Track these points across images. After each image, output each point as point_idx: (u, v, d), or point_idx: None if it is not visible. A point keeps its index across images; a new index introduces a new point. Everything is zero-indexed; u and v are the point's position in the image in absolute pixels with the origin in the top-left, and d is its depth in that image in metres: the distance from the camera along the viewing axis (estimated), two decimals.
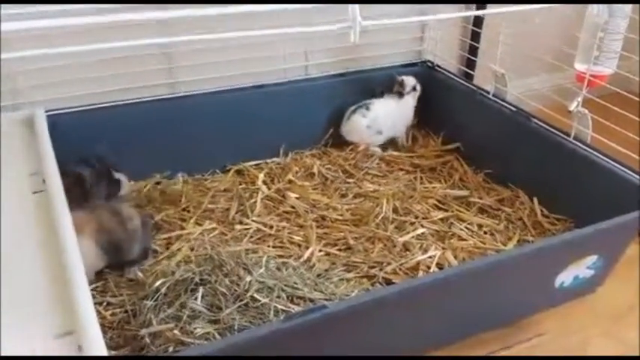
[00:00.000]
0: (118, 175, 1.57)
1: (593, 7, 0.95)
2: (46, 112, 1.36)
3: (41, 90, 1.60)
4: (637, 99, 1.57)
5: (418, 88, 1.99)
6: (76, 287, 0.81)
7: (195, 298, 1.24)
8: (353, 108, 1.94)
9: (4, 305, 0.81)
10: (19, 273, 0.89)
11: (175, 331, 1.17)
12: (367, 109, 1.92)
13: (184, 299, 1.24)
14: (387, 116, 1.94)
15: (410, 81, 1.98)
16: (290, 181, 1.76)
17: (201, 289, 1.25)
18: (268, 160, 1.87)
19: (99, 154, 1.52)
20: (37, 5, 0.80)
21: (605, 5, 1.45)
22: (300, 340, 1.04)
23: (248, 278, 1.27)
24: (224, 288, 1.25)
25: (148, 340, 1.17)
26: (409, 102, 1.98)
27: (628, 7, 1.59)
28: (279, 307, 1.22)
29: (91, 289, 1.26)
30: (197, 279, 1.28)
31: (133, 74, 1.71)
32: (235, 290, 1.25)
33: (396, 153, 1.94)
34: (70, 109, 1.62)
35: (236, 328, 1.18)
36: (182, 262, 1.39)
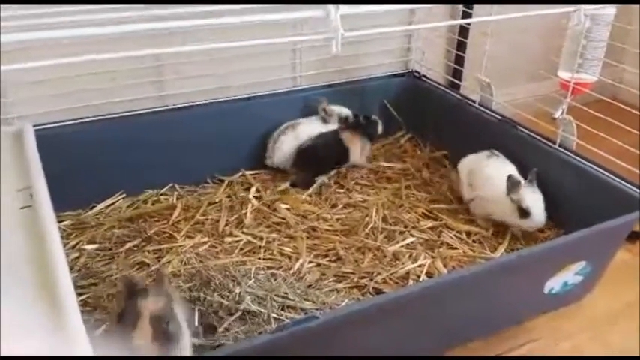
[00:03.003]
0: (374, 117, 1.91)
1: (574, 17, 0.97)
2: (35, 126, 1.35)
3: (29, 104, 1.60)
4: (620, 105, 1.60)
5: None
6: (64, 301, 0.81)
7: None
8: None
9: None
10: (7, 289, 0.88)
11: None
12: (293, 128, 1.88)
13: None
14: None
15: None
16: (281, 192, 1.77)
17: (195, 309, 1.24)
18: (258, 171, 1.88)
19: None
20: (29, 18, 0.80)
21: (586, 14, 1.47)
22: (291, 350, 1.04)
23: (237, 290, 1.27)
24: (215, 303, 1.25)
25: None
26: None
27: (610, 15, 1.62)
28: (273, 315, 1.22)
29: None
30: (187, 295, 1.28)
31: (123, 88, 1.72)
32: (227, 304, 1.25)
33: (384, 164, 1.95)
34: (59, 123, 1.62)
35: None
36: (171, 275, 1.38)
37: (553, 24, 1.84)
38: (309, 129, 1.87)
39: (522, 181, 1.55)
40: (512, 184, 1.53)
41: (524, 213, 1.52)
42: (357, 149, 1.89)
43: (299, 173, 1.82)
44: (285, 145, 1.84)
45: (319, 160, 1.83)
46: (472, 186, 1.65)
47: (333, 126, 1.90)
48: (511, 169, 1.60)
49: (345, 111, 1.93)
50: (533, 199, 1.53)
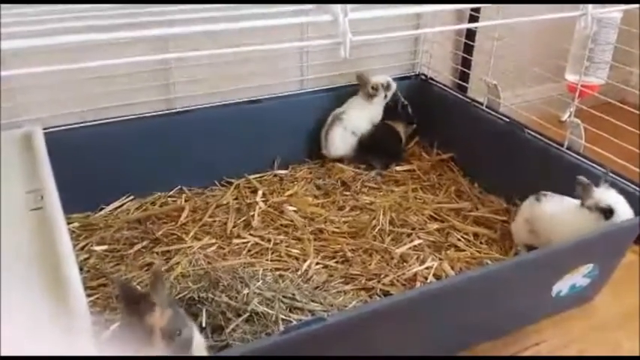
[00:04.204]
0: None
1: (581, 20, 0.97)
2: (44, 129, 1.37)
3: (39, 107, 1.62)
4: (629, 108, 1.60)
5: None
6: (73, 303, 0.82)
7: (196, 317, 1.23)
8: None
9: (3, 322, 0.81)
10: (17, 289, 0.89)
11: None
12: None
13: None
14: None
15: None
16: (288, 195, 1.77)
17: (203, 310, 1.25)
18: (266, 174, 1.88)
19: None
20: (36, 24, 0.81)
21: (594, 17, 1.47)
22: (299, 351, 1.04)
23: (246, 291, 1.27)
24: (223, 304, 1.25)
25: None
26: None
27: (617, 18, 1.62)
28: (280, 316, 1.23)
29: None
30: (195, 296, 1.28)
31: (131, 90, 1.73)
32: (235, 305, 1.25)
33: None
34: (68, 125, 1.63)
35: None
36: (180, 276, 1.39)
37: (560, 27, 1.84)
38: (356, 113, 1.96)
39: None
40: (583, 188, 1.36)
41: (607, 212, 1.32)
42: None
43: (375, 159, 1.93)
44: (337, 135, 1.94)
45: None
46: (535, 232, 1.52)
47: (378, 99, 1.97)
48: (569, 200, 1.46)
49: (382, 78, 1.98)
50: (611, 195, 1.35)
